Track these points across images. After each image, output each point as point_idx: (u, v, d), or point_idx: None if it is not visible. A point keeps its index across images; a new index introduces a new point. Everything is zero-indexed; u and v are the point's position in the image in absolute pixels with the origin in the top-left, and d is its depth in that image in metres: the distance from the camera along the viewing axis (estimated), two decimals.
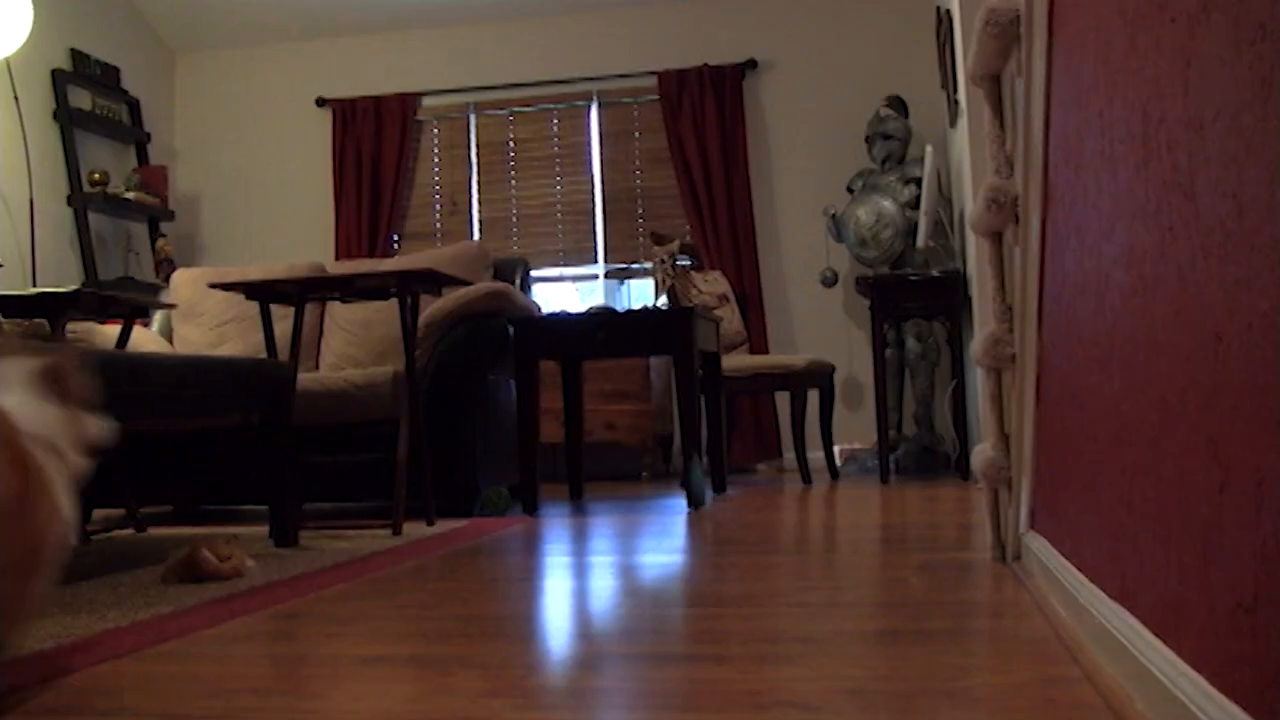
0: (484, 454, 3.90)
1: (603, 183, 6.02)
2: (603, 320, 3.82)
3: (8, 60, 5.10)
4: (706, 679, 1.38)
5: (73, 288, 3.85)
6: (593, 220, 6.03)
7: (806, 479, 4.72)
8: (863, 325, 5.70)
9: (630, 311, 3.86)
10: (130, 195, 5.73)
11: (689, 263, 5.36)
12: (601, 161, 6.03)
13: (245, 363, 2.85)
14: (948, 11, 4.64)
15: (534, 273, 5.94)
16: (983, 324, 3.92)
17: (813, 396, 5.56)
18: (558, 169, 6.07)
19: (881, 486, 4.37)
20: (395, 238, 6.16)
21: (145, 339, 4.52)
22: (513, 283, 4.47)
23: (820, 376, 4.84)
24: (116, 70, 5.92)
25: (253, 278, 4.52)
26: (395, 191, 6.05)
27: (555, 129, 6.09)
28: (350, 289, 3.50)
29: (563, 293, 6.16)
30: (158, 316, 4.87)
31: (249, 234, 6.39)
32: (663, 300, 4.17)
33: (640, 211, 5.98)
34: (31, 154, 5.26)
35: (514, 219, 6.11)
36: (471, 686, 1.39)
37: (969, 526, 2.91)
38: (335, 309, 4.60)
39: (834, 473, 4.96)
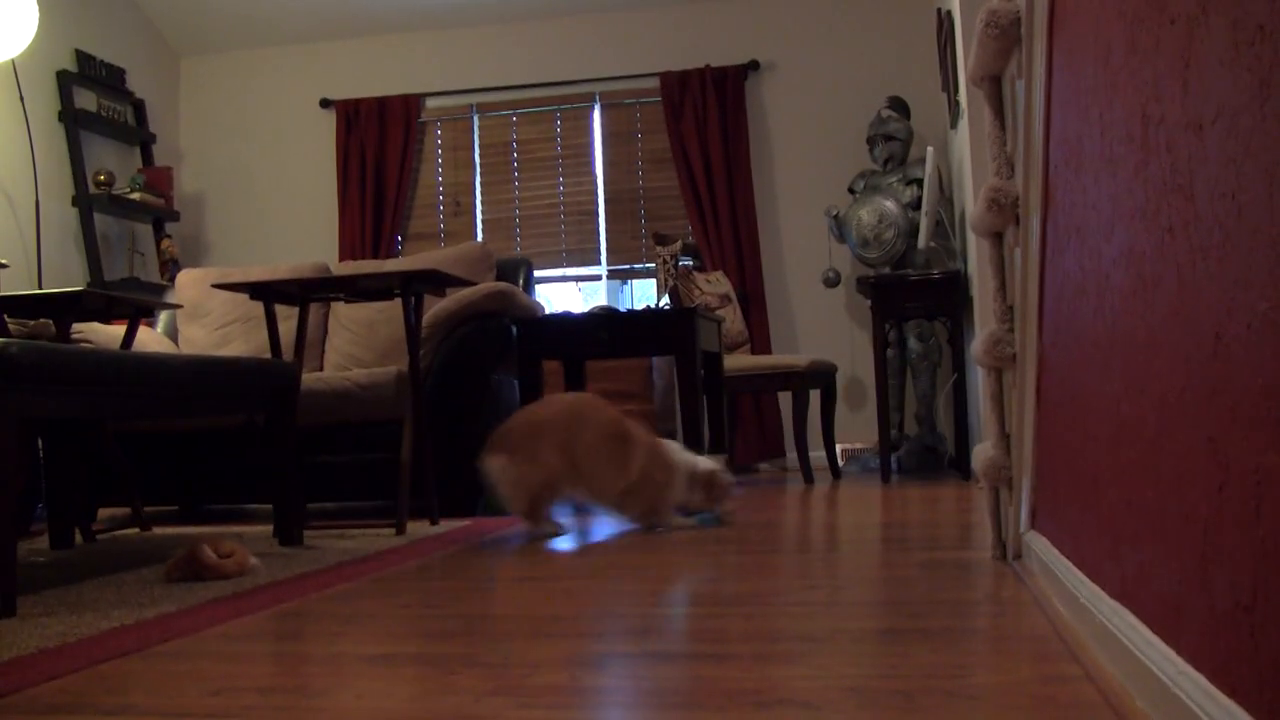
0: None
1: (605, 183, 6.03)
2: (605, 320, 3.82)
3: (13, 61, 5.11)
4: (708, 677, 1.39)
5: (78, 288, 3.86)
6: (595, 221, 6.03)
7: (808, 478, 4.73)
8: (864, 325, 5.70)
9: (633, 312, 3.86)
10: (135, 196, 5.74)
11: (691, 263, 5.37)
12: (604, 162, 6.04)
13: (250, 363, 2.86)
14: (948, 13, 4.64)
15: (537, 273, 5.94)
16: (984, 324, 3.92)
17: (815, 396, 5.56)
18: (560, 170, 6.08)
19: (883, 486, 4.37)
20: (399, 238, 6.17)
21: (150, 339, 4.54)
22: (516, 283, 4.48)
23: (822, 376, 4.84)
24: (122, 71, 5.94)
25: (257, 278, 4.54)
26: (399, 192, 6.06)
27: (558, 130, 6.10)
28: (354, 289, 3.51)
29: (565, 293, 6.17)
30: (162, 317, 4.89)
31: (253, 235, 6.40)
32: (665, 300, 4.18)
33: (643, 212, 5.98)
34: (37, 155, 5.28)
35: (517, 220, 6.12)
36: (475, 685, 1.40)
37: (970, 525, 2.91)
38: (339, 309, 4.61)
39: (836, 472, 4.96)
